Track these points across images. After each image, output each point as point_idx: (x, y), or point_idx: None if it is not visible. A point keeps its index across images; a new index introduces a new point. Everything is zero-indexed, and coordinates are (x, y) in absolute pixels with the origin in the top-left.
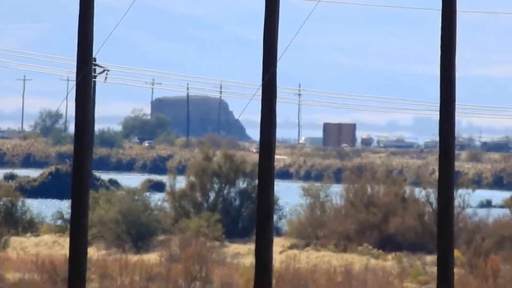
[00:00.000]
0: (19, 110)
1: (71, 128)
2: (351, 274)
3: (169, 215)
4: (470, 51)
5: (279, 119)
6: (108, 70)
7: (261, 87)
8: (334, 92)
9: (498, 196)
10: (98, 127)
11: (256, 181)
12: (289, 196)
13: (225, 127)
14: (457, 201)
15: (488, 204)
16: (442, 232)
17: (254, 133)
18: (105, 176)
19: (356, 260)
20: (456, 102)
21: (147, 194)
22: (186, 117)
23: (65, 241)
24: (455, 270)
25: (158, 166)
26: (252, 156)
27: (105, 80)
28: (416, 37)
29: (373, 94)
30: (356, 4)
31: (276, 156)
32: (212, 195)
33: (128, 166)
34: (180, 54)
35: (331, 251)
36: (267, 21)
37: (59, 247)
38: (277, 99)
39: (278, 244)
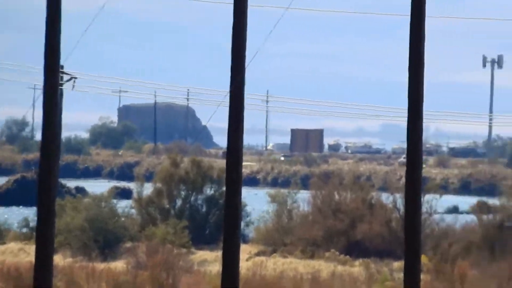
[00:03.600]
0: None
1: (38, 136)
2: (318, 281)
3: (136, 222)
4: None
5: (246, 125)
6: (75, 78)
7: (229, 94)
8: (302, 98)
9: (465, 201)
10: (65, 134)
11: (224, 188)
12: (256, 202)
13: (192, 134)
14: (424, 207)
15: (455, 209)
16: (409, 238)
17: (221, 140)
18: (72, 183)
19: (323, 267)
20: (424, 108)
21: (114, 201)
22: (153, 124)
23: (31, 248)
24: (422, 276)
25: (125, 173)
26: (219, 162)
27: (72, 88)
28: (385, 43)
29: (341, 100)
30: (325, 11)
31: (244, 163)
32: (179, 202)
33: (95, 173)
34: (148, 61)
35: (298, 257)
36: (235, 28)
37: (24, 254)
38: (245, 106)
39: (245, 251)
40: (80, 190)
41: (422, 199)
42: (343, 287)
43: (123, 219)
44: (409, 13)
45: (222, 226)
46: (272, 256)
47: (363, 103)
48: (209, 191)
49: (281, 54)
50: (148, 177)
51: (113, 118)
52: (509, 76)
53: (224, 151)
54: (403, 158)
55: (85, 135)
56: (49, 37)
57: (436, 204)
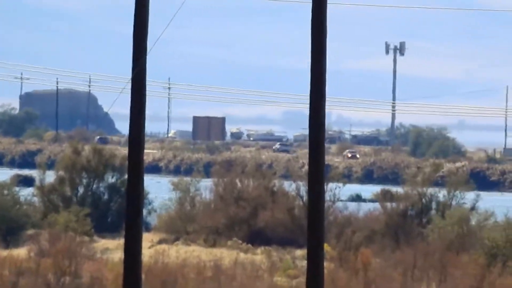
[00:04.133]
0: None
1: None
2: (220, 269)
3: (39, 209)
4: (341, 44)
5: (148, 112)
6: None
7: (130, 81)
8: (204, 85)
9: (368, 189)
10: None
11: (126, 176)
12: (159, 190)
13: (94, 121)
14: (327, 195)
15: (358, 198)
16: (312, 226)
17: (123, 126)
18: None
19: (226, 255)
20: (326, 95)
21: (16, 188)
22: (55, 111)
23: None
24: (325, 264)
25: (27, 160)
26: (121, 149)
27: None
28: (287, 30)
29: (243, 87)
30: None
31: (146, 150)
32: (81, 190)
33: None
34: (49, 48)
35: (201, 245)
36: (137, 14)
37: None
38: (147, 93)
39: (147, 239)
40: None
41: (325, 186)
42: (245, 275)
43: (25, 206)
44: None
45: (125, 212)
46: (175, 244)
47: (265, 90)
48: (111, 178)
49: (183, 41)
50: (50, 165)
51: (15, 105)
52: (412, 63)
53: (352, 152)
54: (278, 145)
55: None
56: None
57: (339, 192)
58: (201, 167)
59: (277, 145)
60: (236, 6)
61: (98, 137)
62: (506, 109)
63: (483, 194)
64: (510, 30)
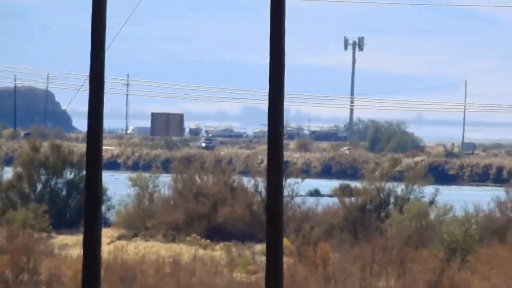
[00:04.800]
0: None
1: None
2: (179, 265)
3: None
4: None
5: (106, 109)
6: None
7: (89, 78)
8: (162, 82)
9: (326, 185)
10: None
11: (84, 172)
12: (117, 186)
13: (52, 118)
14: (286, 190)
15: (316, 193)
16: (271, 221)
17: (81, 123)
18: None
19: (185, 251)
20: (285, 91)
21: None
22: (13, 109)
23: None
24: (285, 259)
25: None
26: (79, 146)
27: None
28: (246, 25)
29: (202, 83)
30: None
31: (104, 147)
32: (39, 186)
33: None
34: (6, 45)
35: (160, 241)
36: (94, 11)
37: None
38: (105, 89)
39: (106, 235)
40: None
41: (284, 182)
42: (204, 271)
43: None
44: None
45: (83, 208)
46: (134, 240)
47: (224, 86)
48: (69, 175)
49: (142, 38)
50: (8, 162)
51: None
52: (371, 58)
53: (349, 148)
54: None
55: None
56: None
57: (298, 187)
58: (159, 163)
59: (203, 143)
60: (195, 1)
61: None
62: (465, 104)
63: (441, 188)
64: (469, 25)
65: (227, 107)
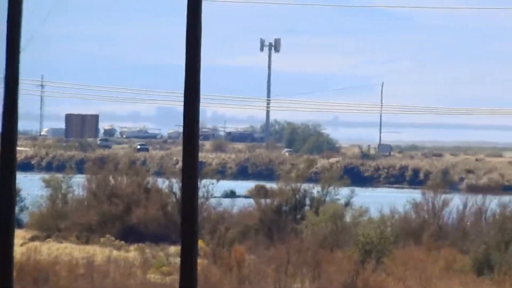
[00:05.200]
0: None
1: None
2: (93, 266)
3: None
4: (216, 40)
5: (21, 110)
6: None
7: (4, 79)
8: (77, 83)
9: (242, 186)
10: None
11: None
12: (30, 187)
13: None
14: (201, 191)
15: (232, 194)
16: (185, 222)
17: None
18: None
19: (98, 252)
20: (201, 92)
21: None
22: None
23: None
24: (199, 260)
25: None
26: None
27: None
28: (161, 26)
29: (117, 84)
30: None
31: (18, 148)
32: None
33: None
34: None
35: (73, 242)
36: (10, 11)
37: None
38: (20, 91)
39: (19, 236)
40: None
41: (199, 183)
42: (118, 272)
43: None
44: None
45: None
46: (47, 241)
47: (138, 87)
48: None
49: (58, 38)
50: None
51: None
52: (287, 59)
53: (289, 151)
54: (138, 146)
55: None
56: None
57: (213, 188)
58: (73, 164)
59: (138, 146)
60: (111, 2)
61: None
62: (382, 105)
63: (357, 190)
64: (386, 26)
65: (142, 108)
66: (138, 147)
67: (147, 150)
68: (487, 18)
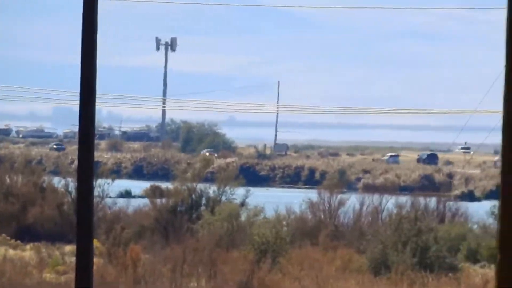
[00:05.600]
0: None
1: None
2: None
3: None
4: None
5: None
6: None
7: None
8: None
9: (138, 186)
10: None
11: None
12: None
13: None
14: (96, 191)
15: (128, 194)
16: (81, 222)
17: None
18: None
19: None
20: (97, 91)
21: None
22: None
23: None
24: (95, 260)
25: None
26: None
27: None
28: (57, 25)
29: (12, 83)
30: None
31: None
32: None
33: None
34: None
35: None
36: None
37: None
38: None
39: None
40: None
41: (94, 182)
42: (14, 272)
43: None
44: None
45: None
46: None
47: (34, 86)
48: None
49: None
50: None
51: None
52: (183, 59)
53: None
54: (54, 145)
55: None
56: None
57: (108, 188)
58: None
59: (53, 145)
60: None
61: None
62: (278, 105)
63: (253, 189)
64: (283, 26)
65: (38, 107)
66: (55, 146)
67: (63, 149)
68: (380, 19)
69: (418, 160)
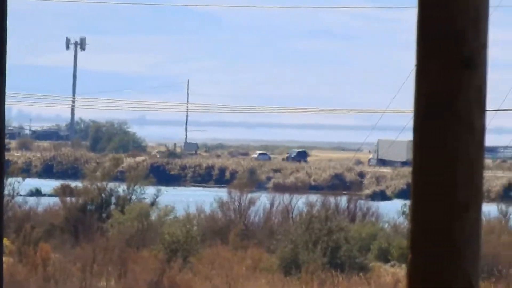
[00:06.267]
0: None
1: None
2: None
3: None
4: (21, 39)
5: None
6: None
7: None
8: None
9: (48, 184)
10: None
11: None
12: None
13: None
14: (6, 190)
15: (38, 192)
16: None
17: None
18: None
19: None
20: (7, 90)
21: None
22: None
23: None
24: (4, 258)
25: None
26: None
27: None
28: None
29: None
30: None
31: None
32: None
33: None
34: None
35: None
36: None
37: None
38: None
39: None
40: None
41: (5, 181)
42: None
43: None
44: None
45: None
46: None
47: None
48: None
49: None
50: None
51: None
52: (94, 58)
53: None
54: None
55: None
56: None
57: (18, 186)
58: None
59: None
60: None
61: None
62: (188, 104)
63: (163, 189)
64: (194, 25)
65: None
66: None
67: (8, 150)
68: (292, 17)
69: (288, 158)
